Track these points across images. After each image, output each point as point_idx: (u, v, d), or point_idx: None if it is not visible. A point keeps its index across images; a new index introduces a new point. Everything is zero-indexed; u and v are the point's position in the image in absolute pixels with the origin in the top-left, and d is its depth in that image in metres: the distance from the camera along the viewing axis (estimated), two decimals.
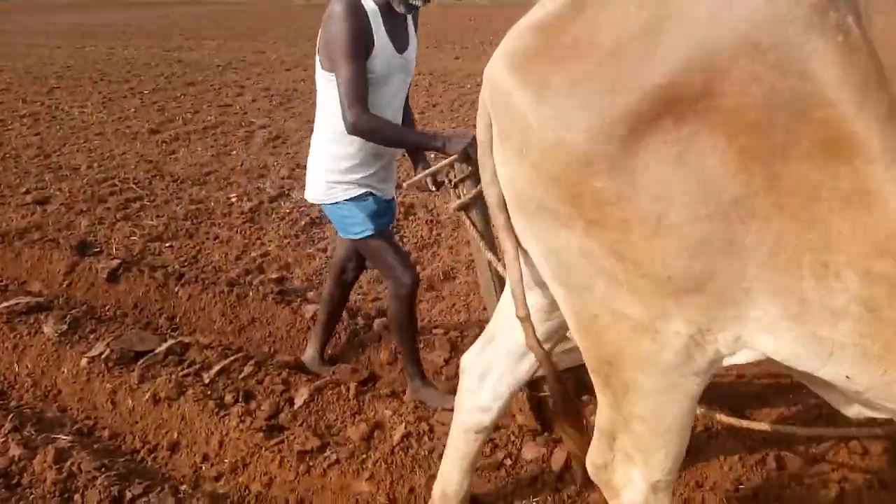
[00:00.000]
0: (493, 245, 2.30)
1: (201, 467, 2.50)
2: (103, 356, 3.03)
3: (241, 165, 6.06)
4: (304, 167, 5.91)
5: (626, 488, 1.56)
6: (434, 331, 3.38)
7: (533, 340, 1.59)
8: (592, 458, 1.60)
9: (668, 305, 1.25)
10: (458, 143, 2.25)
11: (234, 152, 6.50)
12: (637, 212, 1.18)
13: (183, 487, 2.40)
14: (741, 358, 1.30)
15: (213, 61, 11.90)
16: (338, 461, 2.42)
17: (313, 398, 2.74)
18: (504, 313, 1.89)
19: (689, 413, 1.42)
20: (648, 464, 1.50)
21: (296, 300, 3.59)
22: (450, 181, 2.31)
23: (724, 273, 1.18)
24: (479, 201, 2.31)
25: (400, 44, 2.48)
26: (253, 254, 4.26)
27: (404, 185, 2.53)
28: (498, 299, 2.42)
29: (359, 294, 3.77)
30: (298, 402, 2.72)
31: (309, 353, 3.07)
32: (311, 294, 3.70)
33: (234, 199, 5.21)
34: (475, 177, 2.25)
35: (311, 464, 2.42)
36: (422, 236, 4.56)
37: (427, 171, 2.48)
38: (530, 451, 2.47)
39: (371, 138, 2.39)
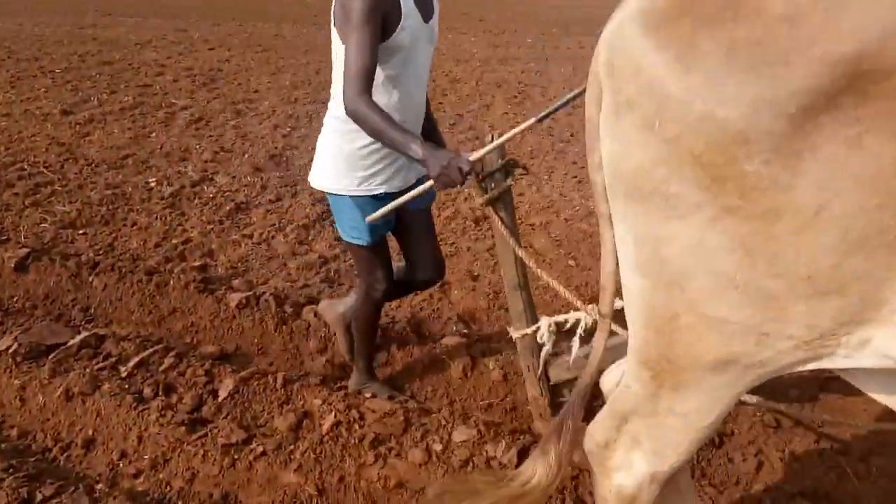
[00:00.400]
0: (519, 240, 2.27)
1: (119, 465, 2.39)
2: (11, 350, 2.85)
3: (161, 148, 5.80)
4: (228, 150, 5.77)
5: (620, 471, 1.52)
6: None
7: (602, 340, 1.54)
8: (594, 434, 1.55)
9: (792, 309, 1.11)
10: (438, 163, 1.97)
11: (154, 135, 6.21)
12: (792, 201, 1.02)
13: (99, 486, 2.28)
14: (861, 362, 1.16)
15: (131, 39, 11.32)
16: (264, 453, 2.36)
17: (238, 390, 2.65)
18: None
19: (728, 412, 1.35)
20: (661, 455, 1.45)
21: (220, 288, 3.47)
22: (476, 174, 2.22)
23: (880, 271, 1.04)
24: (506, 195, 2.28)
25: (426, 11, 2.22)
26: (174, 241, 4.09)
27: (473, 155, 2.12)
28: (524, 297, 2.40)
29: (287, 281, 3.68)
30: (223, 393, 2.63)
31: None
32: (235, 282, 3.58)
33: (153, 184, 4.99)
34: (504, 170, 2.22)
35: (236, 457, 2.35)
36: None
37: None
38: (461, 434, 2.47)
39: (357, 121, 2.07)
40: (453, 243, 4.19)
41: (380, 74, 2.16)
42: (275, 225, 4.36)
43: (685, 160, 1.08)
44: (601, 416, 1.55)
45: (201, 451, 2.37)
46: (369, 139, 2.20)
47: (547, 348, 2.35)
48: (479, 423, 2.55)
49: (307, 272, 3.78)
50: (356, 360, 2.79)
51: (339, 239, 2.65)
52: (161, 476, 2.33)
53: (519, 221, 4.54)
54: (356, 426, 2.50)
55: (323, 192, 2.42)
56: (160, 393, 2.64)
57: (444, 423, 2.54)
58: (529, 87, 8.26)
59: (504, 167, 2.21)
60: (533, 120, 2.06)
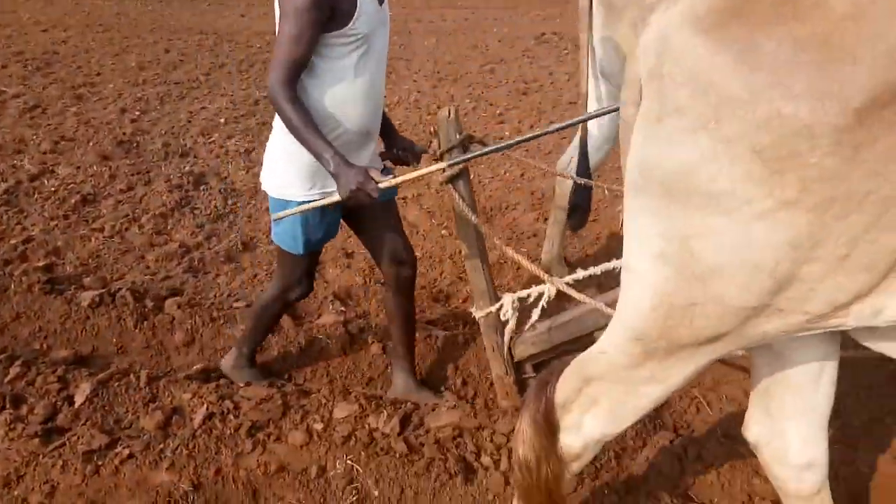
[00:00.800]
0: (477, 216, 2.24)
1: None
2: None
3: None
4: (70, 139, 5.32)
5: (570, 432, 1.56)
6: (235, 304, 3.21)
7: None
8: (556, 394, 1.59)
9: (819, 288, 1.16)
10: (348, 184, 1.97)
11: None
12: (847, 190, 1.07)
13: None
14: (870, 322, 1.23)
15: None
16: (132, 455, 2.22)
17: (97, 393, 2.47)
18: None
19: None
20: (618, 418, 1.50)
21: (69, 288, 3.21)
22: (434, 152, 2.16)
23: None
24: (464, 173, 2.22)
25: None
26: (13, 241, 3.72)
27: (383, 183, 2.06)
28: (486, 276, 2.38)
29: (146, 274, 3.46)
30: (79, 399, 2.44)
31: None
32: (87, 280, 3.32)
33: None
34: (461, 146, 2.17)
35: (99, 463, 2.19)
36: (216, 206, 4.28)
37: (406, 178, 2.13)
38: (342, 410, 2.44)
39: (275, 109, 2.04)
40: None
41: (341, 65, 2.10)
42: (128, 216, 4.07)
43: (742, 157, 1.11)
44: (566, 376, 1.58)
45: (60, 462, 2.19)
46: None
47: (511, 325, 2.33)
48: (359, 397, 2.54)
49: (168, 263, 3.57)
50: (241, 344, 2.68)
51: (271, 241, 2.56)
52: (16, 493, 2.14)
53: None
54: (231, 416, 2.41)
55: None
56: (7, 405, 2.41)
57: (324, 401, 2.50)
58: (394, 60, 8.20)
59: (462, 143, 2.18)
60: (514, 141, 2.08)
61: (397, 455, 2.28)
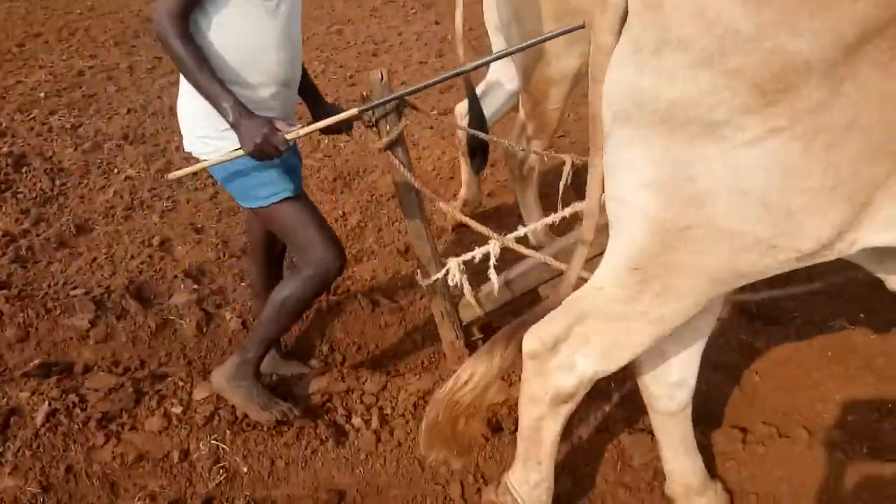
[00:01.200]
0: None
1: None
2: None
3: None
4: None
5: (561, 371, 1.55)
6: (73, 292, 2.96)
7: (579, 264, 1.57)
8: (540, 335, 1.57)
9: (807, 223, 1.24)
10: (251, 136, 1.79)
11: None
12: (830, 119, 1.16)
13: None
14: (841, 254, 1.32)
15: None
16: None
17: None
18: None
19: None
20: (612, 356, 1.52)
21: None
22: (368, 120, 2.01)
23: (881, 176, 1.21)
24: (401, 139, 2.10)
25: None
26: None
27: (290, 134, 1.88)
28: (431, 243, 2.28)
29: None
30: None
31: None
32: None
33: None
34: (396, 111, 2.05)
35: None
36: (42, 189, 3.90)
37: (317, 125, 2.00)
38: (202, 391, 2.35)
39: (164, 47, 1.79)
40: (169, 197, 3.87)
41: (258, 8, 1.86)
42: None
43: (743, 90, 1.17)
44: (553, 317, 1.58)
45: None
46: (250, 85, 1.91)
47: (466, 287, 2.25)
48: None
49: None
50: (249, 350, 2.22)
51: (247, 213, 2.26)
52: None
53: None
54: (77, 410, 2.25)
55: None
56: None
57: (181, 384, 2.39)
58: None
59: (396, 108, 2.07)
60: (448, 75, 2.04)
61: (265, 429, 2.23)
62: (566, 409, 1.65)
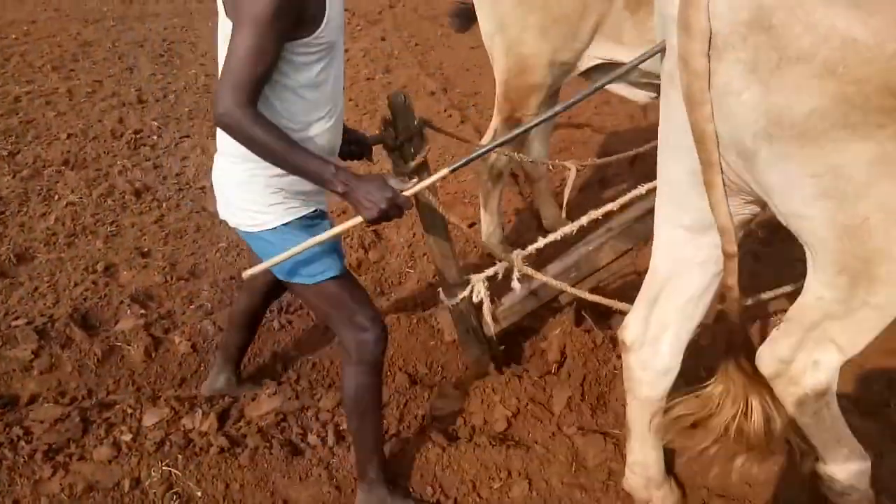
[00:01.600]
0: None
1: None
2: None
3: None
4: None
5: (808, 372, 1.59)
6: (14, 323, 2.87)
7: (735, 278, 1.56)
8: (776, 354, 1.61)
9: None
10: (370, 200, 1.65)
11: None
12: None
13: None
14: None
15: None
16: None
17: None
18: (661, 272, 1.78)
19: None
20: (854, 344, 1.55)
21: None
22: (388, 145, 2.02)
23: None
24: (426, 163, 2.09)
25: None
26: None
27: (408, 190, 1.77)
28: (455, 262, 2.34)
29: None
30: None
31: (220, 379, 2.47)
32: None
33: None
34: (420, 135, 2.06)
35: None
36: None
37: (437, 176, 1.86)
38: (152, 417, 2.31)
39: (236, 136, 1.62)
40: (113, 222, 3.79)
41: (303, 78, 1.72)
42: None
43: (873, 93, 1.23)
44: (780, 335, 1.62)
45: None
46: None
47: (487, 304, 2.31)
48: (170, 400, 2.41)
49: None
50: (366, 473, 2.05)
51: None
52: None
53: (187, 185, 4.27)
54: (22, 443, 2.18)
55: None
56: None
57: (130, 411, 2.35)
58: (177, 43, 7.69)
59: (420, 132, 2.05)
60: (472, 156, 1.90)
61: (218, 451, 2.20)
62: (832, 392, 1.67)
